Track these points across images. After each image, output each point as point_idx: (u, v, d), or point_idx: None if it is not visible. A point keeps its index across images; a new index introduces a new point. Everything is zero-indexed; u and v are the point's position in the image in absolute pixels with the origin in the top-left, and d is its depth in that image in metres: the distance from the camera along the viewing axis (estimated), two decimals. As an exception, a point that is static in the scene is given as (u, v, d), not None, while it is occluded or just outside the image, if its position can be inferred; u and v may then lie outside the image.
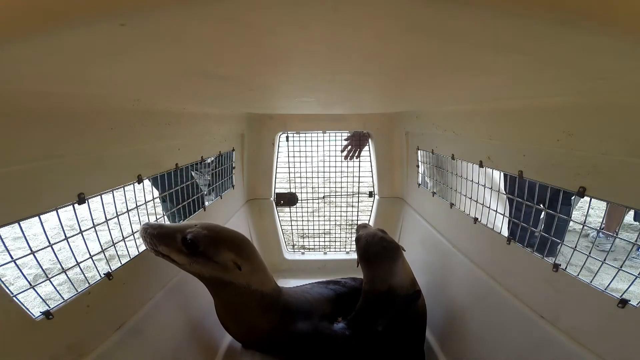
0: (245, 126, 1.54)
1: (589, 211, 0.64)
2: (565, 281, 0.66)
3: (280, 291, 0.98)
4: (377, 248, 1.02)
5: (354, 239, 1.79)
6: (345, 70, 0.43)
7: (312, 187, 1.76)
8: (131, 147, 0.76)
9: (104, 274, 0.69)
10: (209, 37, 0.27)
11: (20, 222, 0.51)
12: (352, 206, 1.79)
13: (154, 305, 0.82)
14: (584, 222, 0.65)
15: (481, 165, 0.93)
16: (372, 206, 1.76)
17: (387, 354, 0.93)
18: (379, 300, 0.99)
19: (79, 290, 0.63)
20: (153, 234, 0.75)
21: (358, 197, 1.76)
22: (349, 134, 1.73)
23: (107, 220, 0.74)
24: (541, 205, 0.83)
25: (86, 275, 0.67)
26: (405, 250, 1.06)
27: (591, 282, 0.61)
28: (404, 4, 0.21)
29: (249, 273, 0.86)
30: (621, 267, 0.59)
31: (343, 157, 1.72)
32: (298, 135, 1.70)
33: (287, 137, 1.66)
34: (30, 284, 0.58)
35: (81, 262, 0.66)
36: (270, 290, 0.92)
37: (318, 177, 1.71)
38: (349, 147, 1.71)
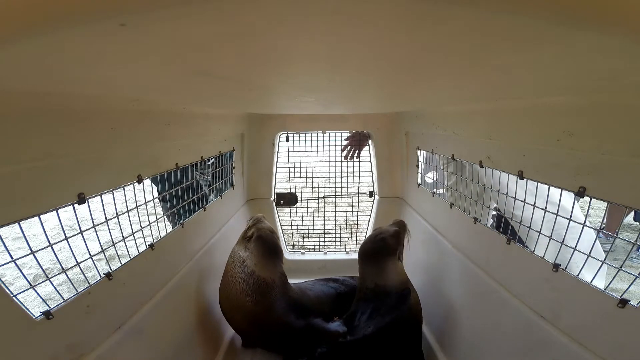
0: (245, 126, 1.54)
1: (589, 211, 0.64)
2: (565, 281, 0.66)
3: (284, 284, 1.08)
4: (368, 246, 1.09)
5: (354, 239, 1.82)
6: (346, 70, 0.43)
7: (312, 187, 1.76)
8: (131, 147, 0.76)
9: (104, 274, 0.69)
10: (209, 37, 0.27)
11: (20, 222, 0.51)
12: (352, 206, 1.79)
13: (154, 305, 0.82)
14: (584, 222, 0.65)
15: (481, 165, 0.93)
16: (372, 206, 1.76)
17: (381, 351, 0.93)
18: (367, 297, 1.02)
19: (79, 290, 0.63)
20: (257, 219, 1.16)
21: (358, 197, 1.76)
22: (348, 134, 1.73)
23: (107, 220, 0.74)
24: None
25: (86, 275, 0.67)
26: (399, 259, 1.08)
27: (591, 282, 0.61)
28: (404, 4, 0.21)
29: (250, 253, 1.05)
30: (621, 267, 0.59)
31: (343, 157, 1.72)
32: (298, 135, 1.70)
33: (287, 137, 1.66)
34: (30, 284, 0.58)
35: (81, 262, 0.66)
36: (265, 276, 1.03)
37: (318, 177, 1.71)
38: (349, 147, 1.71)
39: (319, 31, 0.26)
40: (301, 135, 1.69)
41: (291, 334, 1.00)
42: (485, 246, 0.94)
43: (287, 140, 1.67)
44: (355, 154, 1.72)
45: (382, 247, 1.06)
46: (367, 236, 1.15)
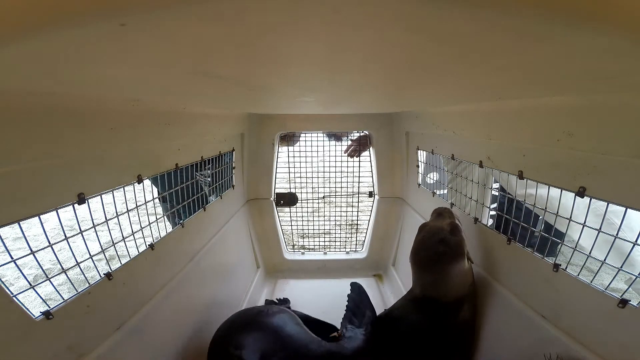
0: (245, 126, 1.54)
1: (589, 211, 0.64)
2: (565, 281, 0.66)
3: None
4: (428, 253, 0.84)
5: (354, 239, 1.82)
6: (345, 70, 0.43)
7: (312, 187, 1.76)
8: (131, 147, 0.76)
9: (104, 274, 0.69)
10: (209, 37, 0.27)
11: (20, 222, 0.51)
12: (352, 206, 1.79)
13: (154, 305, 0.82)
14: (584, 222, 0.65)
15: (481, 166, 0.93)
16: (372, 206, 1.76)
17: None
18: (410, 305, 0.90)
19: (79, 291, 0.63)
20: None
21: (358, 197, 1.76)
22: (353, 136, 1.75)
23: (107, 221, 0.74)
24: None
25: (86, 275, 0.67)
26: (472, 261, 0.87)
27: (591, 282, 0.61)
28: (404, 4, 0.21)
29: None
30: (621, 267, 0.59)
31: (347, 155, 1.74)
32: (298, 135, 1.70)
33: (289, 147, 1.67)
34: (30, 284, 0.58)
35: (81, 262, 0.66)
36: None
37: (318, 177, 1.71)
38: (352, 146, 1.73)
39: (319, 31, 0.26)
40: (301, 135, 1.70)
41: None
42: (485, 246, 0.94)
43: (288, 145, 1.66)
44: (356, 154, 1.73)
45: (445, 253, 0.81)
46: (418, 237, 0.89)
